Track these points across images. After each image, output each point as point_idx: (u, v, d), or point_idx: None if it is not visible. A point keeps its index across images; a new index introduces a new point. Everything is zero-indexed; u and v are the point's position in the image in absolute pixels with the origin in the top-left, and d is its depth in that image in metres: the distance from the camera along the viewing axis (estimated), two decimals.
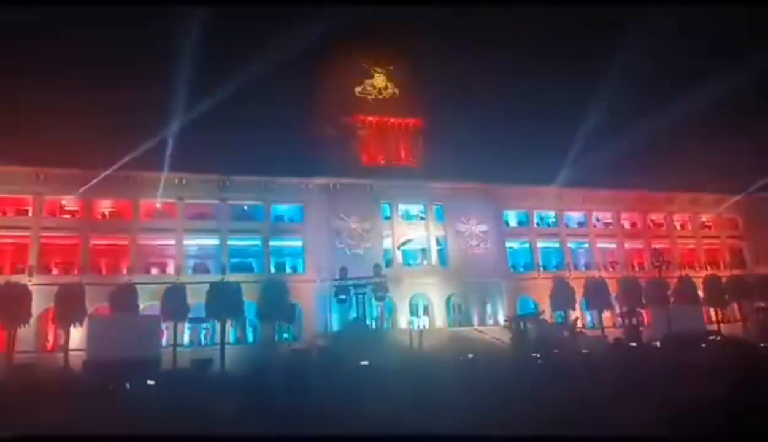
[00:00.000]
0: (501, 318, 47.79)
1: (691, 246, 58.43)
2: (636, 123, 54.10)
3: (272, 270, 45.73)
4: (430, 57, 51.60)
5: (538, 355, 30.97)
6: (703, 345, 36.03)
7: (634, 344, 37.62)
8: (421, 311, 48.23)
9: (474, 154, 47.73)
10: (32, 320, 36.04)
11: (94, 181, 41.35)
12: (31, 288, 36.54)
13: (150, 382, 23.37)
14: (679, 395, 13.52)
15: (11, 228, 41.62)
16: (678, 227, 59.27)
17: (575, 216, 56.46)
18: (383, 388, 19.68)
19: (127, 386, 22.52)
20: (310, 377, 25.39)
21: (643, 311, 48.14)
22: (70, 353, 34.64)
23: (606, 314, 48.52)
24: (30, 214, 41.86)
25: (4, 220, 41.87)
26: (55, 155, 40.95)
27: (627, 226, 58.03)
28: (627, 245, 56.47)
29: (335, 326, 44.36)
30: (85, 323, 33.91)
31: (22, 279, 37.69)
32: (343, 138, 50.86)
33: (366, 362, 27.85)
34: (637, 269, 54.94)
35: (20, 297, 34.86)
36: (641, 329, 44.64)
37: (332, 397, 16.78)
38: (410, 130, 52.66)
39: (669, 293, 47.32)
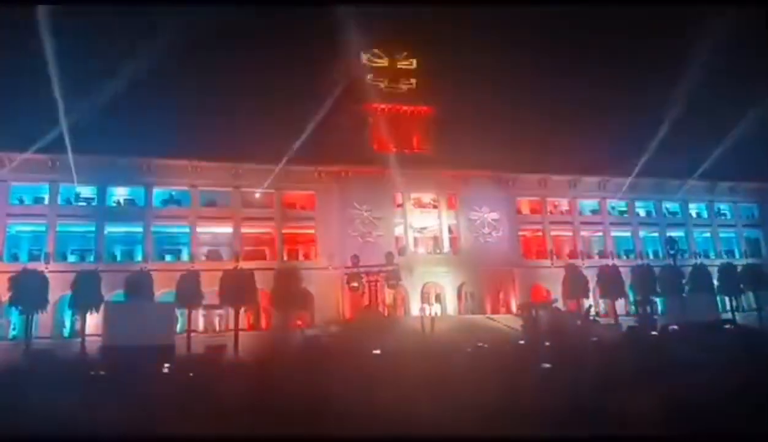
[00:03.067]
0: (513, 306, 47.74)
1: (707, 234, 57.86)
2: (651, 109, 53.28)
3: (285, 257, 45.99)
4: (443, 44, 51.17)
5: (549, 343, 30.80)
6: (717, 333, 35.56)
7: (655, 332, 37.24)
8: (433, 299, 48.31)
9: (486, 142, 47.34)
10: (49, 307, 36.57)
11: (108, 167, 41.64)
12: (48, 275, 36.92)
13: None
14: (694, 387, 13.29)
15: (28, 216, 42.25)
16: (693, 215, 58.65)
17: (588, 204, 56.07)
18: (394, 376, 19.68)
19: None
20: (323, 362, 25.55)
21: (656, 300, 47.77)
22: (87, 339, 35.17)
23: (619, 303, 48.25)
24: (46, 201, 42.38)
25: (21, 208, 42.41)
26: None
27: (641, 214, 57.48)
28: (641, 233, 56.02)
29: (347, 313, 44.64)
30: (102, 309, 34.36)
31: (39, 266, 38.22)
32: (354, 126, 50.71)
33: (378, 351, 27.97)
34: (651, 257, 54.53)
35: (37, 284, 35.37)
36: (655, 317, 44.29)
37: (344, 384, 16.81)
38: (422, 118, 52.39)
39: (683, 281, 46.93)
